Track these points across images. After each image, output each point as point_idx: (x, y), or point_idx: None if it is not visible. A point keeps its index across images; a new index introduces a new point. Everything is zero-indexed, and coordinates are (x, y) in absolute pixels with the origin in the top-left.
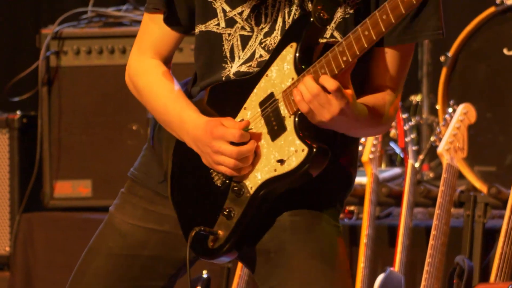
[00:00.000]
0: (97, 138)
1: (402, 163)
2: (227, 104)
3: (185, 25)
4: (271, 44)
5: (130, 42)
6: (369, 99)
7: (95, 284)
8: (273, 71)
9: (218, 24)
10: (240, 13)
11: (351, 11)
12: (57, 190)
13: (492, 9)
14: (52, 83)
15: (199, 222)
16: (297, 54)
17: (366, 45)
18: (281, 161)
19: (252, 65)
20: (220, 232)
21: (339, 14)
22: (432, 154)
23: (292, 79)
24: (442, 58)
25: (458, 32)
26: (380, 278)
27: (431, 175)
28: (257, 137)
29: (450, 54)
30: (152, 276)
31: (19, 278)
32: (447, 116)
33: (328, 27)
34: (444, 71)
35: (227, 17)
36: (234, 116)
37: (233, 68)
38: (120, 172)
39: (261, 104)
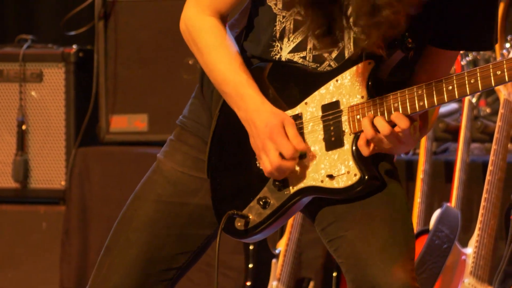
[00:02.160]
0: (153, 73)
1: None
2: (289, 89)
3: None
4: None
5: None
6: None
7: (143, 230)
8: (344, 79)
9: (275, 5)
10: None
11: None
12: (113, 125)
13: None
14: (108, 17)
15: (230, 199)
16: (373, 76)
17: (446, 100)
18: (331, 176)
19: (307, 57)
20: (251, 216)
21: None
22: (489, 90)
23: (362, 97)
24: None
25: None
26: (436, 213)
27: (488, 110)
28: (311, 144)
29: None
30: (200, 224)
31: (75, 212)
32: (504, 51)
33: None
34: (501, 5)
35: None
36: (293, 105)
37: (284, 51)
38: (176, 107)
39: (324, 108)
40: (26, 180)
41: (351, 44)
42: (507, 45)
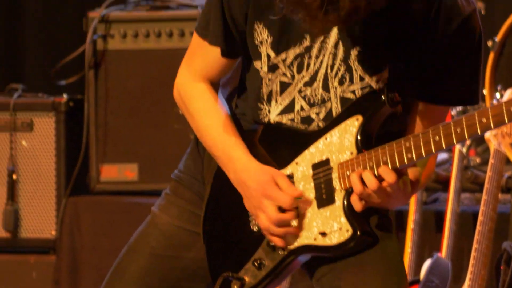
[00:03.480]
0: (143, 122)
1: (449, 148)
2: (280, 150)
3: (240, 55)
4: (311, 96)
5: (177, 26)
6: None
7: (136, 282)
8: (333, 137)
9: (261, 68)
10: (284, 60)
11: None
12: (103, 174)
13: None
14: (98, 67)
15: (225, 260)
16: (361, 132)
17: (433, 151)
18: (323, 234)
19: (296, 119)
20: (246, 279)
21: (384, 77)
22: (479, 139)
23: (351, 153)
24: (489, 43)
25: (505, 16)
26: (427, 263)
27: (478, 160)
28: (303, 201)
29: (497, 39)
30: (194, 278)
31: (65, 262)
32: (494, 101)
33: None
34: (491, 55)
35: (270, 63)
36: (283, 165)
37: (272, 113)
38: (167, 156)
39: (315, 166)
40: (16, 229)
41: (338, 103)
42: (497, 95)
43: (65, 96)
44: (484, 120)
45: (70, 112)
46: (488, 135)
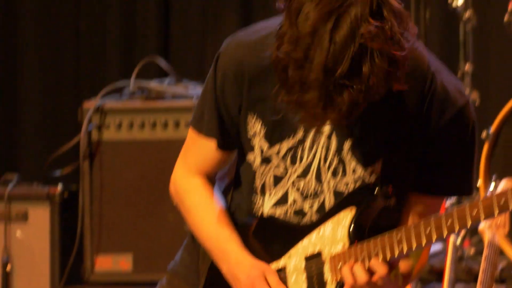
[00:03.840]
0: (138, 213)
1: (443, 239)
2: (273, 243)
3: (236, 147)
4: (305, 188)
5: (172, 116)
6: None
7: None
8: (326, 229)
9: (254, 160)
10: (277, 152)
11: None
12: (98, 265)
13: None
14: (93, 157)
15: None
16: (353, 224)
17: (424, 244)
18: None
19: (289, 212)
20: None
21: (378, 170)
22: (473, 230)
23: (344, 245)
24: (483, 134)
25: (499, 107)
26: None
27: (473, 251)
28: None
29: (491, 130)
30: None
31: None
32: (489, 192)
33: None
34: (485, 146)
35: (264, 155)
36: (276, 258)
37: (266, 206)
38: (161, 247)
39: (307, 259)
40: None
41: (331, 196)
42: (492, 185)
43: (60, 186)
44: (475, 212)
45: (65, 203)
46: (482, 226)
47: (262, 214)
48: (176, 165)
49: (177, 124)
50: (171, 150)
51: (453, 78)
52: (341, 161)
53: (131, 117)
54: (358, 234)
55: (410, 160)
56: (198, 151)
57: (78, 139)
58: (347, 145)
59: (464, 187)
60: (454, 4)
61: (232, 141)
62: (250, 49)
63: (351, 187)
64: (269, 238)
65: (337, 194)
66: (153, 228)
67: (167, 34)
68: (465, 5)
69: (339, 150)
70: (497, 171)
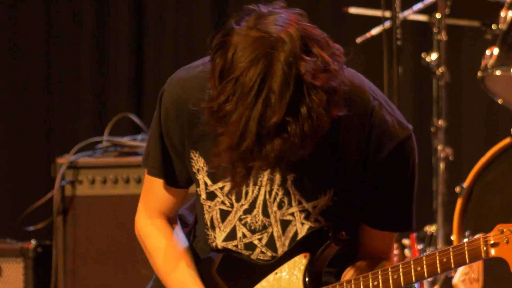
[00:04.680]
0: (111, 268)
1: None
2: (235, 280)
3: (187, 184)
4: (252, 222)
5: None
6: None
7: None
8: (282, 272)
9: (200, 195)
10: (221, 188)
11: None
12: None
13: (507, 140)
14: (67, 213)
15: None
16: (308, 270)
17: None
18: None
19: (239, 246)
20: None
21: (323, 202)
22: (447, 285)
23: None
24: (457, 189)
25: (473, 163)
26: None
27: None
28: None
29: (465, 185)
30: None
31: None
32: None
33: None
34: (459, 202)
35: (208, 190)
36: None
37: (218, 239)
38: None
39: None
40: None
41: (279, 226)
42: (465, 240)
43: (33, 241)
44: (419, 269)
45: (38, 258)
46: (455, 280)
47: (216, 246)
48: (138, 208)
49: None
50: None
51: (394, 110)
52: (286, 193)
53: (104, 172)
54: (313, 280)
55: (353, 193)
56: (153, 191)
57: (52, 194)
58: (290, 178)
59: (402, 223)
60: (427, 60)
61: (182, 177)
62: (189, 86)
63: (297, 216)
64: (231, 275)
65: (284, 224)
66: (126, 282)
67: (139, 90)
68: (438, 61)
69: (283, 182)
70: (470, 227)
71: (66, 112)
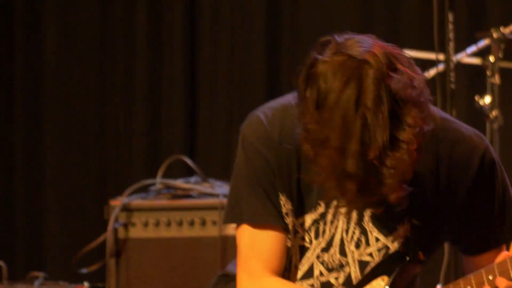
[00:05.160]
0: None
1: None
2: None
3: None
4: (329, 261)
5: (198, 215)
6: None
7: None
8: None
9: (289, 238)
10: (302, 224)
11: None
12: None
13: None
14: (120, 255)
15: None
16: None
17: None
18: None
19: (315, 285)
20: None
21: (401, 233)
22: None
23: None
24: None
25: None
26: None
27: None
28: None
29: None
30: None
31: None
32: None
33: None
34: None
35: (294, 230)
36: None
37: (292, 279)
38: None
39: None
40: None
41: (357, 267)
42: None
43: (86, 284)
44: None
45: None
46: None
47: None
48: (238, 284)
49: (203, 222)
50: (198, 248)
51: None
52: (363, 231)
53: (158, 215)
54: None
55: (437, 224)
56: (262, 248)
57: (105, 236)
58: (367, 214)
59: (495, 242)
60: (480, 103)
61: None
62: (278, 124)
63: (375, 256)
64: None
65: (362, 264)
66: None
67: (193, 132)
68: (492, 104)
69: (359, 220)
70: None
71: (119, 154)
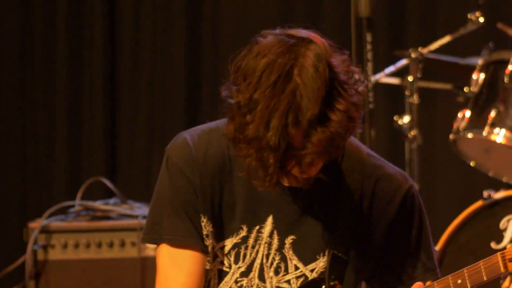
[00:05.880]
0: None
1: None
2: None
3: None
4: (248, 286)
5: (117, 236)
6: None
7: None
8: None
9: (208, 261)
10: (222, 248)
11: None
12: None
13: (479, 203)
14: (39, 277)
15: None
16: None
17: None
18: None
19: None
20: None
21: (321, 264)
22: None
23: None
24: None
25: (446, 225)
26: None
27: None
28: None
29: (438, 247)
30: None
31: None
32: None
33: None
34: None
35: (213, 253)
36: None
37: None
38: None
39: None
40: None
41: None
42: None
43: None
44: (459, 281)
45: None
46: None
47: None
48: None
49: (122, 244)
50: (117, 269)
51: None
52: (283, 258)
53: (77, 236)
54: None
55: (354, 255)
56: (181, 268)
57: (24, 259)
58: (288, 241)
59: (433, 269)
60: (399, 123)
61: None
62: (202, 143)
63: (293, 284)
64: None
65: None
66: None
67: (112, 154)
68: (410, 124)
69: (280, 247)
70: None
71: (39, 176)
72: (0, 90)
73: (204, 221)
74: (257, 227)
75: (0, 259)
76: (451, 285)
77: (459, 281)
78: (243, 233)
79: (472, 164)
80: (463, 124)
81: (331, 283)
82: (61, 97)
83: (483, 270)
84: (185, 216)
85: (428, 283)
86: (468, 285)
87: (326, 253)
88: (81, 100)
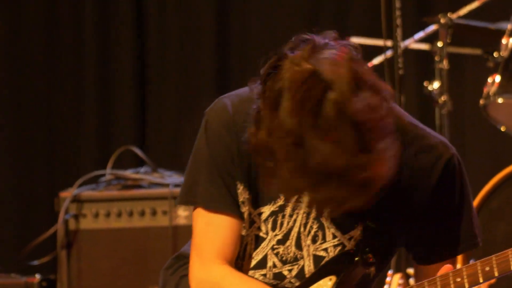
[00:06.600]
0: None
1: None
2: None
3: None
4: (284, 253)
5: (149, 205)
6: None
7: None
8: None
9: (244, 227)
10: (260, 214)
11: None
12: None
13: (510, 168)
14: (71, 246)
15: None
16: None
17: None
18: None
19: (268, 275)
20: None
21: (359, 232)
22: None
23: None
24: None
25: (477, 190)
26: None
27: None
28: None
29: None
30: None
31: None
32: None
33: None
34: None
35: (250, 219)
36: None
37: (245, 267)
38: None
39: None
40: None
41: (311, 261)
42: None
43: (37, 276)
44: (458, 279)
45: None
46: None
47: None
48: (191, 267)
49: (154, 212)
50: (149, 238)
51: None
52: (321, 227)
53: (108, 206)
54: None
55: (390, 228)
56: (215, 234)
57: (55, 228)
58: (326, 211)
59: (473, 239)
60: (429, 89)
61: (238, 209)
62: (241, 109)
63: (330, 252)
64: None
65: (316, 259)
66: None
67: (143, 123)
68: (440, 90)
69: (318, 215)
70: (475, 255)
71: (69, 146)
72: (27, 59)
73: (240, 188)
74: (296, 197)
75: (31, 229)
76: (479, 271)
77: (487, 268)
78: (280, 201)
79: (502, 129)
80: (493, 89)
81: (365, 256)
82: (90, 66)
83: (511, 259)
84: (221, 182)
85: (458, 264)
86: (496, 273)
87: (362, 224)
88: (110, 70)
